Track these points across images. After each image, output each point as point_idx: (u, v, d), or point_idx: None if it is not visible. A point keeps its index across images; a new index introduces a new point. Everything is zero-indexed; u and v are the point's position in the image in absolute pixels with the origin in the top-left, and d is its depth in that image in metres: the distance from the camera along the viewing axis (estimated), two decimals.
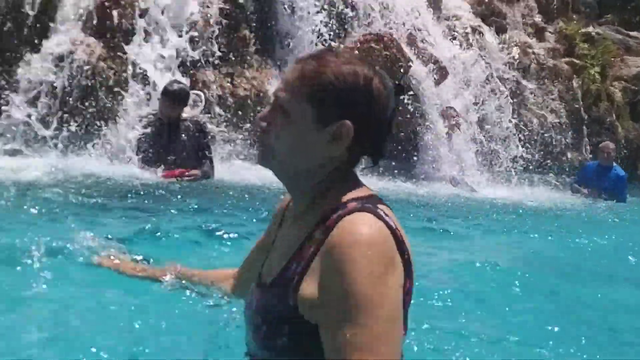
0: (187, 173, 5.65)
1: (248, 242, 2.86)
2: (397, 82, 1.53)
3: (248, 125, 7.06)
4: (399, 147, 8.27)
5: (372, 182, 7.09)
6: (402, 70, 7.92)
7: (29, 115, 6.31)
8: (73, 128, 6.36)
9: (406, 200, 6.52)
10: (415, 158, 8.48)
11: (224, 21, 7.24)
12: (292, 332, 1.40)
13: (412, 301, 1.46)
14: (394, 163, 8.19)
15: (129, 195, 4.72)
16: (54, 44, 6.61)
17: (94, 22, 6.73)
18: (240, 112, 7.14)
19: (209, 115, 6.88)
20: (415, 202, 6.49)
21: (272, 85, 7.33)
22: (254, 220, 3.95)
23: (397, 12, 8.61)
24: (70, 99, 6.47)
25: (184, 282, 1.99)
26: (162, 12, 6.90)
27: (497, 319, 2.79)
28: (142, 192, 4.79)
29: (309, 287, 1.37)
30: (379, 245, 1.35)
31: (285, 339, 1.41)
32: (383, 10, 8.48)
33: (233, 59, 7.32)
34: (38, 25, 6.55)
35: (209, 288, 1.95)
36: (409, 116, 8.33)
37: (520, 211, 6.61)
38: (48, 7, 6.65)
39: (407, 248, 1.43)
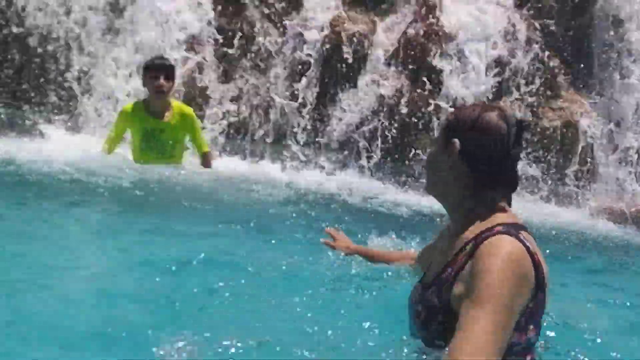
0: None
1: None
2: (519, 119, 1.95)
3: (553, 158, 6.64)
4: None
5: None
6: None
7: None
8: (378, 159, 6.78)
9: None
10: None
11: (533, 49, 6.94)
12: (444, 320, 1.83)
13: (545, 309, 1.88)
14: None
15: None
16: (365, 81, 7.13)
17: (401, 57, 7.07)
18: (543, 144, 6.74)
19: None
20: None
21: (583, 117, 6.79)
22: None
23: None
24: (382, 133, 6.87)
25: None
26: (466, 45, 6.92)
27: None
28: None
29: (459, 288, 1.80)
30: (515, 263, 1.75)
31: (438, 324, 1.85)
32: None
33: (540, 88, 6.96)
34: (346, 66, 7.08)
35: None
36: None
37: None
38: (362, 47, 7.18)
39: (542, 269, 1.82)
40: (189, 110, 5.61)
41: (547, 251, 4.40)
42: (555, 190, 6.57)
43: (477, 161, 1.89)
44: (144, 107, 5.43)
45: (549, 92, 6.98)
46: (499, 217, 1.87)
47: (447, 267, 1.87)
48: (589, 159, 6.82)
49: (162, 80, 5.21)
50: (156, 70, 5.24)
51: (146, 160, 5.41)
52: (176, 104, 5.57)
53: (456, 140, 1.90)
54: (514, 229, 1.83)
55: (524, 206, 5.88)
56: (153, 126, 5.40)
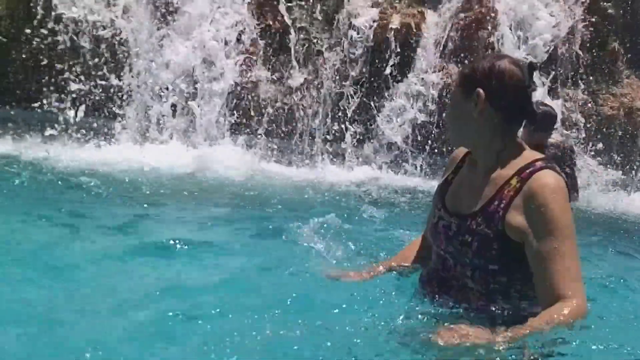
0: None
1: None
2: (530, 62, 2.14)
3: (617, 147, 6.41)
4: None
5: None
6: None
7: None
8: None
9: None
10: None
11: (589, 34, 6.68)
12: (500, 246, 2.06)
13: None
14: None
15: None
16: (415, 73, 6.95)
17: (450, 48, 6.88)
18: (605, 132, 6.49)
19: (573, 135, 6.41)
20: None
21: None
22: None
23: None
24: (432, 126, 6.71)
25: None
26: (519, 31, 6.70)
27: None
28: None
29: (515, 217, 2.04)
30: (562, 192, 2.04)
31: (494, 251, 2.07)
32: None
33: (599, 75, 6.70)
34: (398, 58, 6.93)
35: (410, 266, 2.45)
36: None
37: None
38: (409, 39, 7.01)
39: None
40: None
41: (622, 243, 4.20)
42: (623, 179, 6.30)
43: (500, 103, 2.10)
44: None
45: (608, 78, 6.73)
46: (529, 153, 2.13)
47: (493, 199, 2.08)
48: None
49: None
50: None
51: None
52: None
53: (480, 89, 2.10)
54: (550, 163, 2.11)
55: (595, 197, 5.65)
56: None
